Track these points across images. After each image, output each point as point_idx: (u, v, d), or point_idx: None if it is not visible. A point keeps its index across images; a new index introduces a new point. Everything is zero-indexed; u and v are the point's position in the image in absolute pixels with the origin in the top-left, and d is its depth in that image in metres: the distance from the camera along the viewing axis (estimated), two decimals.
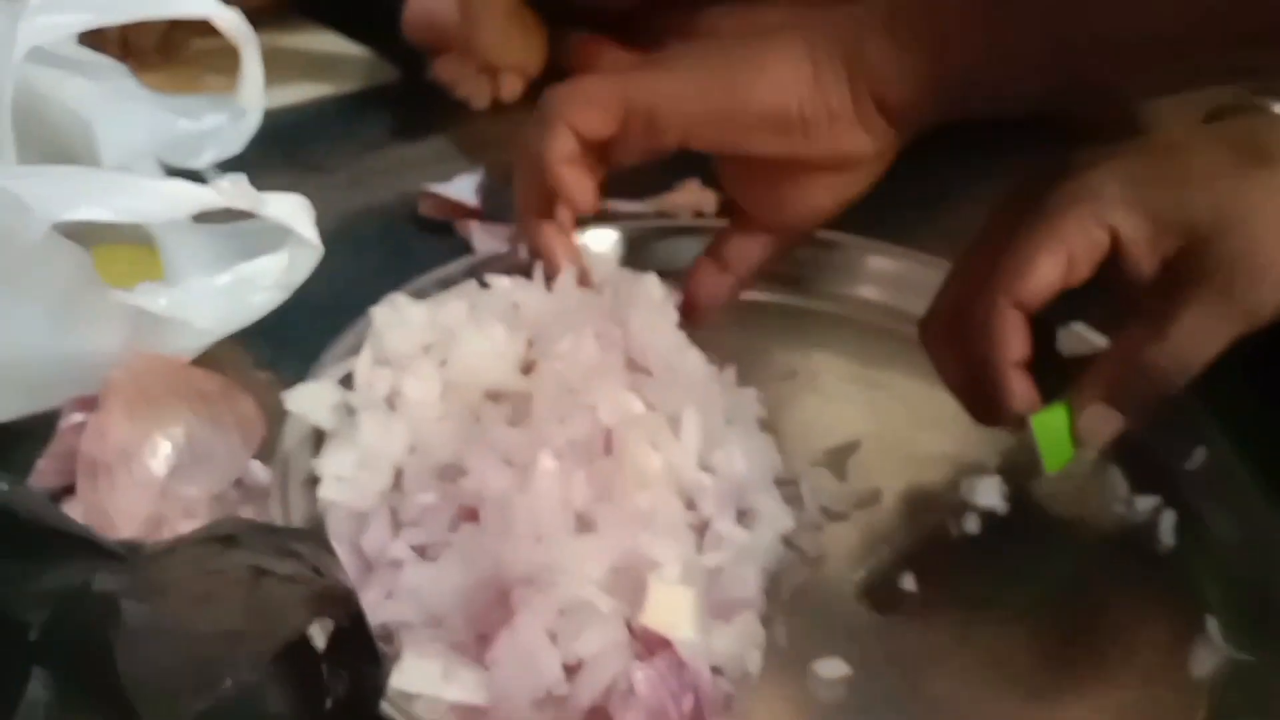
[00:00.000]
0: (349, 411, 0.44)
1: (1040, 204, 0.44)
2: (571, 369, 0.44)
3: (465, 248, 0.64)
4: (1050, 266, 0.43)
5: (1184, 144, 0.45)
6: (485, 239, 0.65)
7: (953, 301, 0.47)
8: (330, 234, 0.54)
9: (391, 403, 0.44)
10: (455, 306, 0.47)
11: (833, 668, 0.40)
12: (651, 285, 0.49)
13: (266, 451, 0.44)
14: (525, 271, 0.52)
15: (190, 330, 0.44)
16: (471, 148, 0.77)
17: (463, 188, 0.70)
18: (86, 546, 0.28)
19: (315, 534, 0.33)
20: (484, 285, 0.50)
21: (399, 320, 0.47)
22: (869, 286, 0.59)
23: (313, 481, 0.43)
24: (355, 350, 0.48)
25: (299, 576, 0.28)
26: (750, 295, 0.59)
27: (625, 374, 0.45)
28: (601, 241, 0.59)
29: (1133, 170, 0.44)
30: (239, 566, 0.28)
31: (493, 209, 0.68)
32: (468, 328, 0.46)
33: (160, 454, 0.43)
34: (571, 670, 0.35)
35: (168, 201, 0.41)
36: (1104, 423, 0.43)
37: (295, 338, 0.51)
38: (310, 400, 0.44)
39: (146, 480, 0.42)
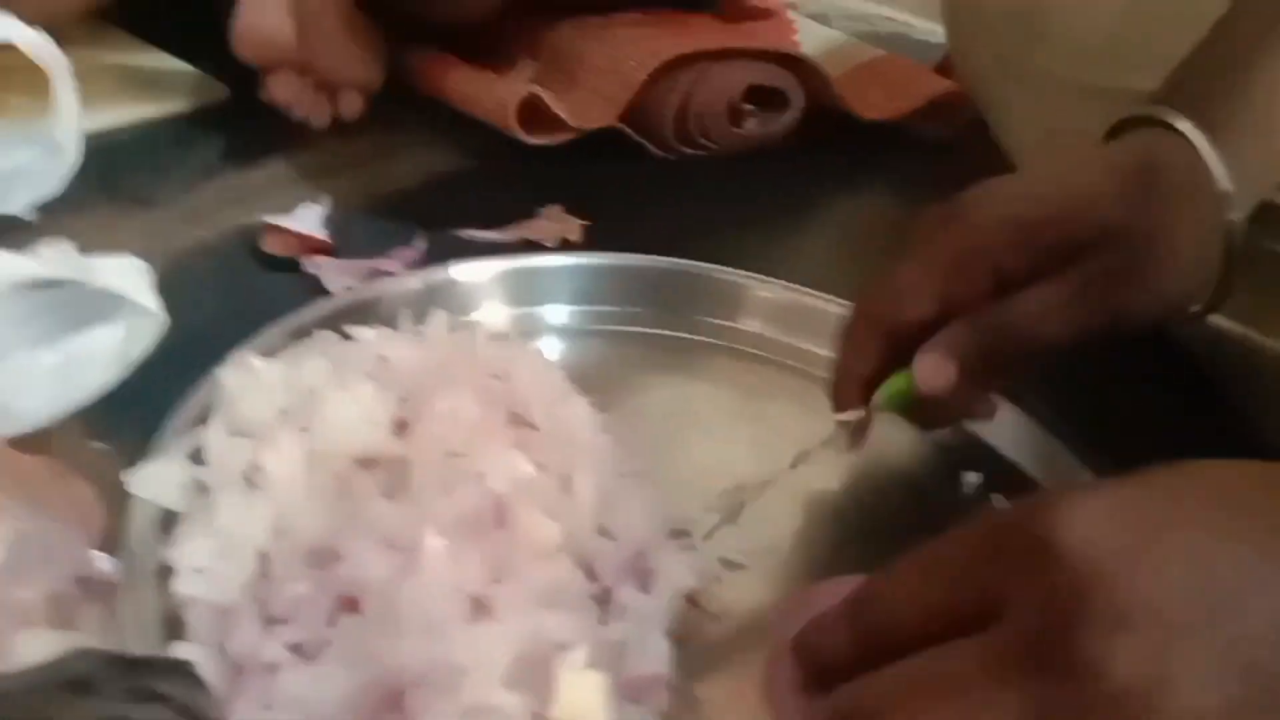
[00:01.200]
0: (201, 491, 0.40)
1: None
2: (452, 430, 0.40)
3: (316, 286, 0.60)
4: (907, 274, 0.43)
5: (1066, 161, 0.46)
6: (337, 276, 0.60)
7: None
8: (164, 277, 0.49)
9: (250, 478, 0.40)
10: (315, 365, 0.43)
11: None
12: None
13: (109, 541, 0.39)
14: (387, 320, 0.48)
15: (12, 417, 0.38)
16: (314, 172, 0.72)
17: (308, 219, 0.65)
18: None
19: (183, 666, 0.29)
20: (345, 337, 0.46)
21: (251, 383, 0.43)
22: (748, 319, 0.58)
23: (165, 572, 0.38)
24: (202, 418, 0.43)
25: None
26: (625, 326, 0.57)
27: (509, 431, 0.41)
28: (475, 275, 0.56)
29: (1009, 186, 0.45)
30: (89, 717, 0.24)
31: (343, 239, 0.63)
32: (332, 388, 0.42)
33: None
34: None
35: None
36: (937, 370, 0.43)
37: (133, 404, 0.46)
38: (155, 481, 0.39)
39: None
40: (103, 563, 0.38)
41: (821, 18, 1.01)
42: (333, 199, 0.67)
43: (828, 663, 0.33)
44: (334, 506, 0.39)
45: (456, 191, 0.73)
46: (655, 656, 0.37)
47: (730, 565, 0.45)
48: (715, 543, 0.45)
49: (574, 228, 0.67)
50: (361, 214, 0.68)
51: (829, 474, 0.50)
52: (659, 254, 0.59)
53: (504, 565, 0.36)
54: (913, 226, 0.45)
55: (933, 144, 0.85)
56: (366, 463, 0.41)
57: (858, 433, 0.47)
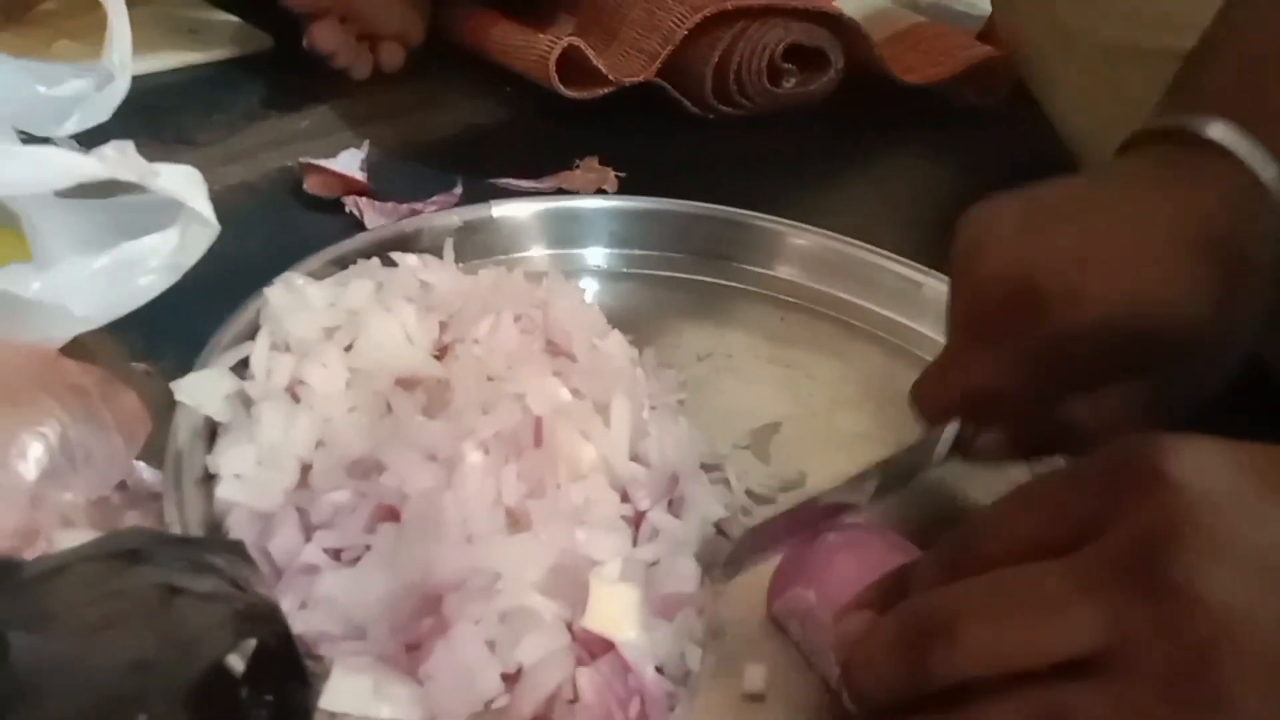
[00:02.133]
0: (245, 403, 0.41)
1: None
2: (491, 354, 0.41)
3: (356, 225, 0.60)
4: (993, 365, 0.40)
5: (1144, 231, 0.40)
6: (376, 216, 0.61)
7: None
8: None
9: (293, 393, 0.41)
10: (360, 286, 0.44)
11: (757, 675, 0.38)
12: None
13: (153, 450, 0.40)
14: (432, 249, 0.49)
15: (66, 317, 0.39)
16: (353, 120, 0.73)
17: (348, 162, 0.65)
18: None
19: (232, 544, 0.30)
20: (389, 263, 0.47)
21: (298, 302, 0.43)
22: (783, 265, 0.58)
23: (208, 481, 0.39)
24: (248, 336, 0.44)
25: (218, 593, 0.25)
26: (661, 271, 0.57)
27: (547, 359, 0.42)
28: (515, 213, 0.56)
29: (1098, 274, 0.39)
30: (145, 586, 0.25)
31: (382, 184, 0.64)
32: (375, 310, 0.43)
33: (30, 456, 0.38)
34: (510, 678, 0.33)
35: (44, 170, 0.36)
36: (997, 450, 0.42)
37: (178, 325, 0.46)
38: (202, 390, 0.40)
39: (14, 486, 0.37)
40: (146, 472, 0.39)
41: None
42: (373, 145, 0.68)
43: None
44: (376, 422, 0.40)
45: (494, 143, 0.74)
46: (686, 577, 0.38)
47: (758, 499, 0.46)
48: (743, 475, 0.46)
49: (610, 178, 0.68)
50: (401, 159, 0.69)
51: (859, 416, 0.51)
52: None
53: (541, 482, 0.37)
54: (991, 282, 0.40)
55: (972, 110, 0.85)
56: (407, 382, 0.42)
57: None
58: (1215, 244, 0.38)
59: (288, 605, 0.35)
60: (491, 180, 0.66)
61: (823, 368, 0.54)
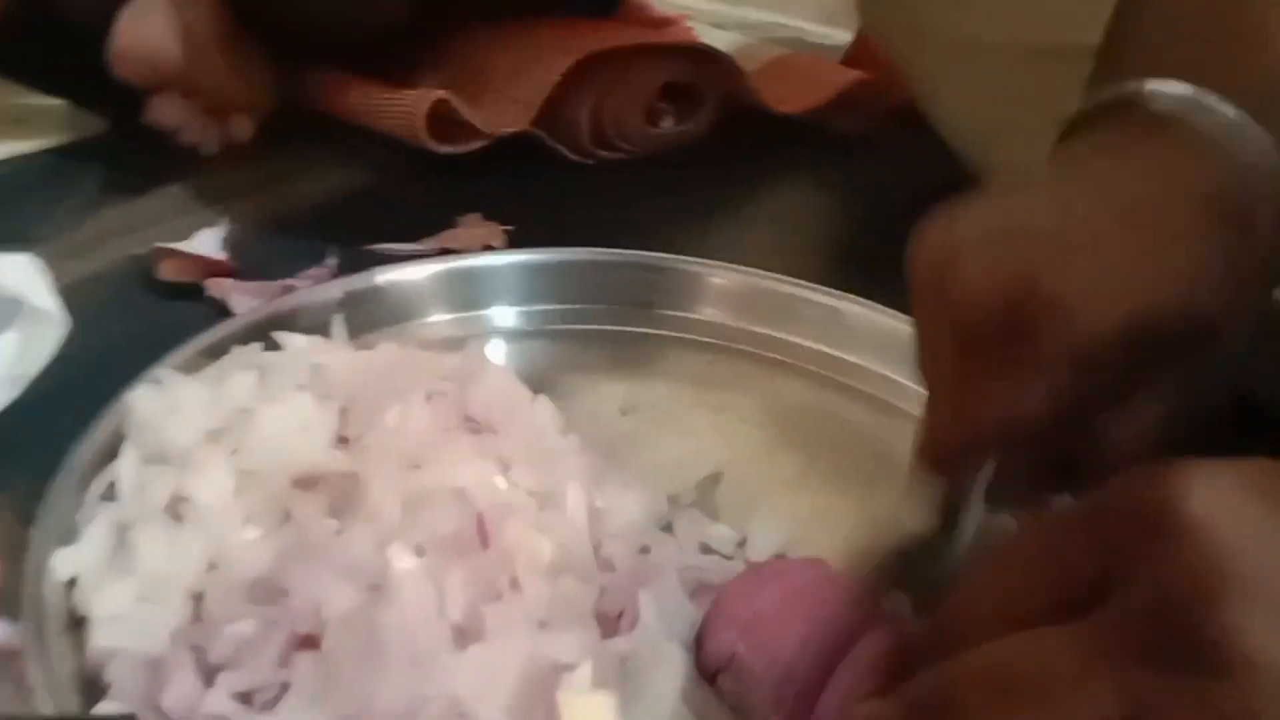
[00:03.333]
0: (118, 530, 0.34)
1: None
2: (405, 440, 0.36)
3: (222, 313, 0.54)
4: (1020, 381, 0.33)
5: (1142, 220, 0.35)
6: (244, 299, 0.55)
7: None
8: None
9: (174, 511, 0.35)
10: (240, 379, 0.38)
11: None
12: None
13: (7, 599, 0.33)
14: (315, 328, 0.43)
15: None
16: (207, 199, 0.67)
17: (206, 243, 0.60)
18: None
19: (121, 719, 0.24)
20: (271, 347, 0.41)
21: (168, 405, 0.37)
22: (703, 306, 0.54)
23: (77, 627, 0.33)
24: (110, 452, 0.37)
25: None
26: (574, 325, 0.53)
27: (471, 441, 0.37)
28: (403, 278, 0.51)
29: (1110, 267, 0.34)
30: None
31: (246, 264, 0.58)
32: (262, 403, 0.37)
33: None
34: None
35: None
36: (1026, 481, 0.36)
37: (25, 444, 0.40)
38: (84, 557, 0.34)
39: None
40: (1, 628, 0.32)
41: (718, 26, 1.00)
42: (231, 223, 0.62)
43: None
44: (276, 534, 0.34)
45: (366, 208, 0.68)
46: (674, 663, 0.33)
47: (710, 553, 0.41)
48: (696, 534, 0.41)
49: (497, 233, 0.63)
50: (264, 236, 0.63)
51: (800, 456, 0.47)
52: None
53: (491, 585, 0.31)
54: (978, 298, 0.34)
55: (852, 136, 0.83)
56: (306, 482, 0.36)
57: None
58: (1217, 213, 0.33)
59: None
60: (367, 248, 0.61)
61: (754, 409, 0.50)
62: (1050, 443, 0.35)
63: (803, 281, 0.54)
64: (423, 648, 0.29)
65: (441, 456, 0.36)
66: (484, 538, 0.32)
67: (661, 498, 0.41)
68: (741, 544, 0.41)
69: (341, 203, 0.68)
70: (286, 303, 0.47)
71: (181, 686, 0.30)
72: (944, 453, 0.35)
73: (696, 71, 0.76)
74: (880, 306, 0.53)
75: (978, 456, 0.35)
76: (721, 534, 0.41)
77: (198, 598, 0.33)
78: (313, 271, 0.57)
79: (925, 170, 0.70)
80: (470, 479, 0.34)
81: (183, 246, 0.57)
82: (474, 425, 0.38)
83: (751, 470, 0.45)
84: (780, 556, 0.39)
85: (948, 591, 0.28)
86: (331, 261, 0.58)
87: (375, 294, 0.49)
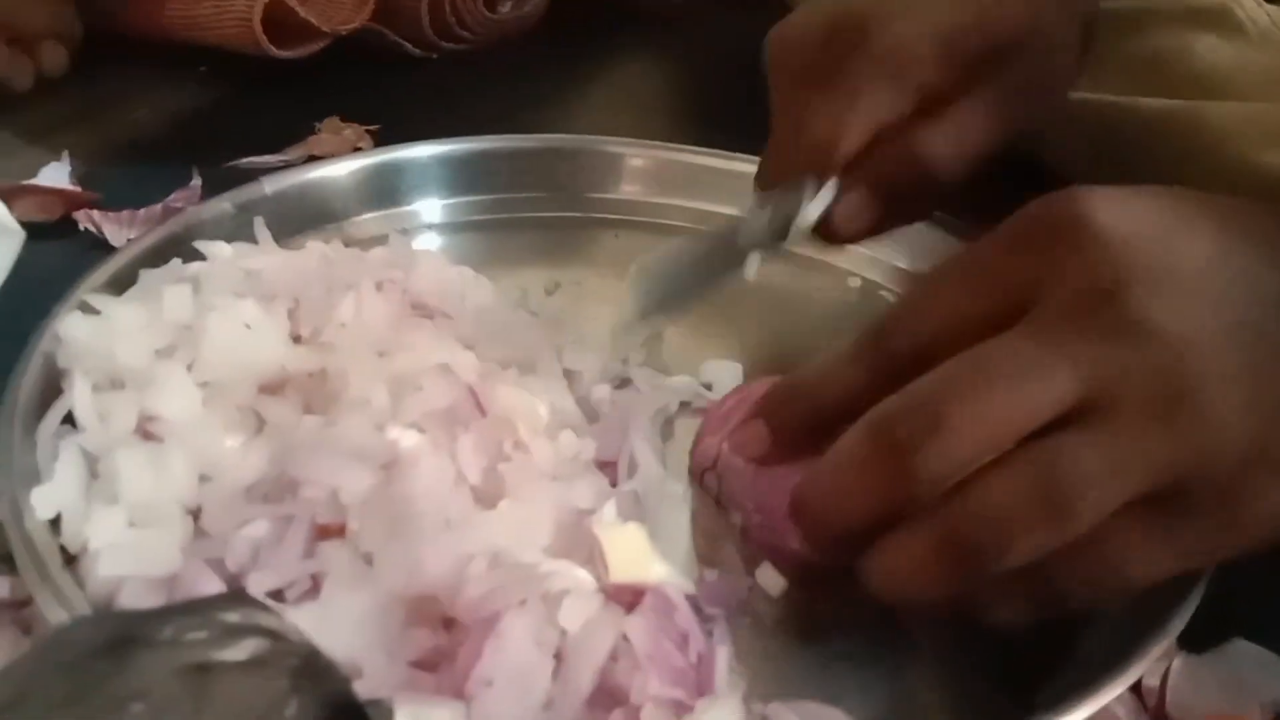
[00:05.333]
0: (89, 461, 0.33)
1: None
2: (366, 331, 0.35)
3: (99, 246, 0.51)
4: (837, 100, 0.38)
5: None
6: (120, 229, 0.52)
7: None
8: None
9: (144, 432, 0.33)
10: (176, 293, 0.36)
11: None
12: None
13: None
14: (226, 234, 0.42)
15: None
16: (35, 136, 0.62)
17: (55, 177, 0.56)
18: None
19: (235, 594, 0.23)
20: (190, 258, 0.40)
21: (108, 329, 0.36)
22: (626, 185, 0.54)
23: (70, 566, 0.32)
24: (46, 388, 0.36)
25: (260, 656, 0.19)
26: (492, 214, 0.52)
27: (431, 325, 0.37)
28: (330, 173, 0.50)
29: None
30: (165, 676, 0.19)
31: (109, 196, 0.55)
32: (207, 313, 0.36)
33: None
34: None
35: None
36: (861, 213, 0.39)
37: None
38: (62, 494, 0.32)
39: None
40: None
41: None
42: (73, 156, 0.58)
43: (830, 409, 0.30)
44: (257, 440, 0.33)
45: (211, 126, 0.65)
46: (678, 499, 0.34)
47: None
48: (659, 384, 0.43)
49: (363, 135, 0.62)
50: (113, 165, 0.59)
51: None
52: None
53: (499, 448, 0.32)
54: (790, 27, 0.40)
55: (673, 8, 0.84)
56: (273, 387, 0.35)
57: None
58: None
59: None
60: (229, 165, 0.59)
61: None
62: (882, 167, 0.38)
63: (702, 150, 0.55)
64: (452, 512, 0.30)
65: (407, 342, 0.35)
66: (481, 408, 0.33)
67: (614, 359, 0.42)
68: (708, 387, 0.42)
69: (184, 124, 0.65)
70: (180, 221, 0.45)
71: (209, 593, 0.30)
72: (779, 170, 0.39)
73: None
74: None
75: (810, 174, 0.38)
76: (682, 384, 0.42)
77: (194, 513, 0.32)
78: (182, 193, 0.55)
79: (747, 29, 0.72)
80: (447, 358, 0.34)
81: (34, 182, 0.53)
82: (425, 311, 0.38)
83: (686, 326, 0.46)
84: None
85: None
86: (195, 183, 0.56)
87: (284, 196, 0.47)
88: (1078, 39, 0.41)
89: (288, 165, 0.57)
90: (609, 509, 0.31)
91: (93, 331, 0.35)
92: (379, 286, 0.37)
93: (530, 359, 0.37)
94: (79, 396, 0.34)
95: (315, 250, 0.40)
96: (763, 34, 0.46)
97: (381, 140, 0.61)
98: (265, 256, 0.39)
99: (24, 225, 0.52)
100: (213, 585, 0.30)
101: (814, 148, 0.38)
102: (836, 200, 0.39)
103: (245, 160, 0.59)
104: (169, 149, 0.61)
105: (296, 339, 0.37)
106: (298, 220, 0.46)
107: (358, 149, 0.60)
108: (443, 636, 0.28)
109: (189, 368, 0.35)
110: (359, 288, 0.37)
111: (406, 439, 0.31)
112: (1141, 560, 0.28)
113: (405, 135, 0.58)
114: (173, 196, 0.54)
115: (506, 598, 0.27)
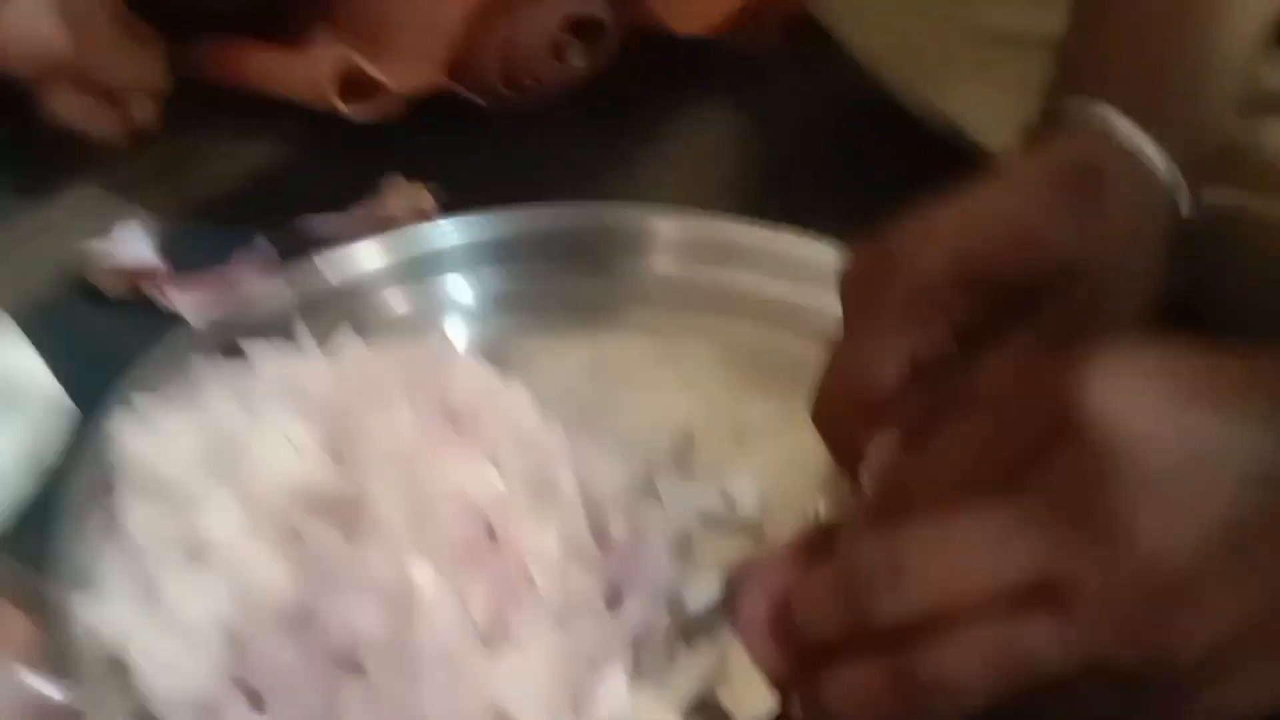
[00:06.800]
0: (137, 571, 0.35)
1: None
2: (397, 447, 0.37)
3: (161, 315, 0.54)
4: (866, 341, 0.38)
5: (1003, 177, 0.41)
6: (184, 299, 0.55)
7: None
8: None
9: (191, 550, 0.36)
10: (222, 402, 0.39)
11: None
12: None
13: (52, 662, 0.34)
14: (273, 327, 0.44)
15: None
16: (120, 190, 0.65)
17: (129, 238, 0.59)
18: None
19: None
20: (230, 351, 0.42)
21: (155, 437, 0.38)
22: (655, 256, 0.55)
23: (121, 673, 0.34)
24: (100, 483, 0.38)
25: None
26: (524, 286, 0.53)
27: (460, 441, 0.38)
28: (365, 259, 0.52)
29: (949, 215, 0.39)
30: None
31: (175, 254, 0.58)
32: (250, 426, 0.38)
33: None
34: None
35: None
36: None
37: None
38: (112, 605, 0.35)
39: None
40: (52, 689, 0.33)
41: None
42: (149, 212, 0.61)
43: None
44: (294, 559, 0.35)
45: (285, 183, 0.68)
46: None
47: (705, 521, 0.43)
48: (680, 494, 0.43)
49: (425, 197, 0.63)
50: (188, 224, 0.62)
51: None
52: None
53: (511, 588, 0.33)
54: (846, 270, 0.39)
55: (754, 56, 0.84)
56: (311, 503, 0.37)
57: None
58: (1084, 179, 0.38)
59: None
60: (296, 223, 0.61)
61: (714, 358, 0.51)
62: (937, 393, 0.37)
63: (744, 219, 0.55)
64: (457, 657, 0.31)
65: (435, 458, 0.37)
66: (493, 539, 0.34)
67: (640, 463, 0.43)
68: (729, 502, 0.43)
69: (259, 180, 0.68)
70: (235, 304, 0.48)
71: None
72: (829, 412, 0.39)
73: (594, 2, 0.76)
74: (814, 235, 0.54)
75: (863, 412, 0.38)
76: (703, 493, 0.43)
77: (231, 633, 0.34)
78: (244, 255, 0.57)
79: (833, 86, 0.72)
80: (467, 479, 0.36)
81: (108, 247, 0.56)
82: (454, 417, 0.40)
83: (721, 421, 0.47)
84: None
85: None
86: (262, 244, 0.58)
87: (326, 288, 0.49)
88: (1161, 260, 0.40)
89: (351, 228, 0.60)
90: (616, 665, 0.32)
91: (140, 440, 0.37)
92: (411, 396, 0.39)
93: (551, 477, 0.38)
94: (126, 505, 0.36)
95: (356, 356, 0.42)
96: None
97: (442, 199, 0.63)
98: (307, 365, 0.41)
99: (93, 294, 0.55)
100: (240, 711, 0.32)
101: (858, 392, 0.38)
102: None
103: (309, 221, 0.61)
104: (241, 206, 0.64)
105: (335, 453, 0.39)
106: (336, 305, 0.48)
107: (421, 213, 0.62)
108: None
109: (233, 482, 0.37)
110: (392, 403, 0.38)
111: (422, 575, 0.33)
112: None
113: (466, 195, 0.60)
114: (236, 259, 0.57)
115: None
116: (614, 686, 0.31)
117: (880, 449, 0.36)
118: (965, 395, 0.34)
